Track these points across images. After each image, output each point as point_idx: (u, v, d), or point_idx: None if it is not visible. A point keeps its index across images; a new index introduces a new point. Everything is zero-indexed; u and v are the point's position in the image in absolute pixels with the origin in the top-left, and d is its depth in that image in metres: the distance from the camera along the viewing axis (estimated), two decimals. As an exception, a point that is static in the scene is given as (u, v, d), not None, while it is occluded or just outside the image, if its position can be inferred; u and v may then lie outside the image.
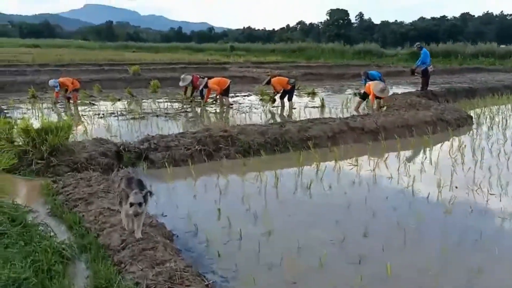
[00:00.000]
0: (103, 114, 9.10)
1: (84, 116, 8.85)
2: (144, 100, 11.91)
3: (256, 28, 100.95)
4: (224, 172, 5.35)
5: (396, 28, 79.68)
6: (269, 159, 5.88)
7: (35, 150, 5.05)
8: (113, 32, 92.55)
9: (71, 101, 10.96)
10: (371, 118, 7.40)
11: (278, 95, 10.69)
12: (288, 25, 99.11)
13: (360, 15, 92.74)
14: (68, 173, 4.74)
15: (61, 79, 10.85)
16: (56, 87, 10.78)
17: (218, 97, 10.63)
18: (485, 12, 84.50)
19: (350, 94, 13.58)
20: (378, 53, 36.68)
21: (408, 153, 6.47)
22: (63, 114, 9.51)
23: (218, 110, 10.21)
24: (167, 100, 11.89)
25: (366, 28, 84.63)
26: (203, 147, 6.02)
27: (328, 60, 35.10)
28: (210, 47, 53.20)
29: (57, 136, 5.08)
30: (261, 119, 8.76)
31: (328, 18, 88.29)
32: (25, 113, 9.24)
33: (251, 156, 6.10)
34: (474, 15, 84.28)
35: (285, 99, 10.55)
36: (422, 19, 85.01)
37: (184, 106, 10.54)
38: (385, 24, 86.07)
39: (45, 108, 9.87)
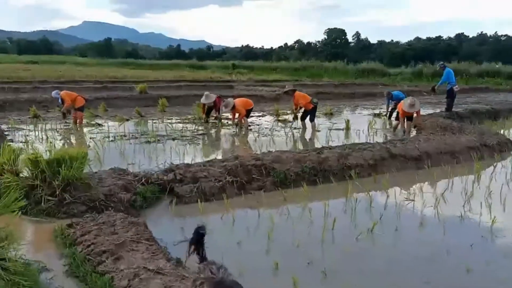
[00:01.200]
0: (114, 137, 8.37)
1: (93, 139, 8.11)
2: (154, 121, 11.20)
3: (255, 46, 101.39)
4: (264, 209, 4.60)
5: (392, 48, 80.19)
6: (310, 192, 5.14)
7: (45, 185, 4.30)
8: (112, 49, 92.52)
9: (77, 123, 10.23)
10: (411, 144, 6.71)
11: (299, 113, 10.05)
12: (286, 44, 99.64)
13: (357, 34, 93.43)
14: (86, 215, 3.98)
15: (63, 92, 10.20)
16: (58, 98, 10.13)
17: (236, 118, 9.92)
18: (479, 33, 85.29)
19: (369, 114, 12.96)
20: (382, 72, 36.34)
21: (464, 183, 5.75)
22: (70, 136, 8.79)
23: (236, 132, 9.52)
24: (179, 120, 11.19)
25: (363, 47, 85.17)
26: (235, 178, 5.30)
27: (331, 78, 34.76)
28: (212, 65, 52.87)
29: (71, 168, 4.35)
30: (286, 143, 8.05)
31: (326, 37, 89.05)
32: (27, 135, 8.50)
33: (288, 187, 5.38)
34: (468, 36, 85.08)
35: (307, 120, 9.88)
36: (418, 39, 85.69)
37: (199, 128, 9.84)
38: (381, 43, 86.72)
39: (48, 130, 9.14)
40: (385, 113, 12.29)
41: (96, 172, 5.00)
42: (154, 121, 11.15)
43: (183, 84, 23.87)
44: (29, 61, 48.54)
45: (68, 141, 8.39)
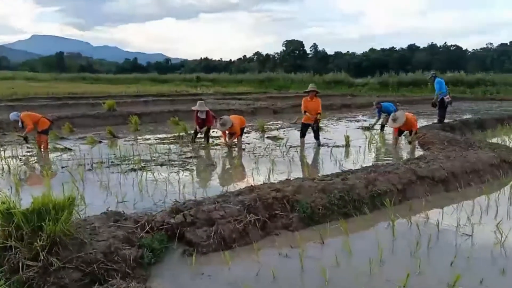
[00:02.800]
0: (90, 164, 7.20)
1: (66, 168, 6.92)
2: (130, 142, 10.06)
3: (213, 59, 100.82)
4: (305, 257, 3.71)
5: (349, 59, 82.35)
6: (347, 229, 4.33)
7: (23, 246, 3.22)
8: (64, 63, 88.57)
9: (41, 148, 8.92)
10: (435, 163, 6.10)
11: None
12: (245, 56, 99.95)
13: (315, 46, 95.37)
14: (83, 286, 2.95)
15: (23, 115, 8.81)
16: (18, 121, 8.76)
17: (226, 137, 8.98)
18: (430, 43, 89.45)
19: (357, 128, 12.46)
20: (348, 82, 36.64)
21: (507, 207, 5.18)
22: (36, 165, 7.51)
23: (226, 152, 8.59)
24: (158, 140, 10.10)
25: (321, 58, 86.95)
26: (256, 216, 4.40)
27: (298, 90, 34.53)
28: (174, 78, 51.47)
29: (57, 220, 3.29)
30: (289, 165, 7.22)
31: (285, 48, 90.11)
32: (-17, 166, 7.16)
33: (318, 223, 4.56)
34: (419, 46, 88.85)
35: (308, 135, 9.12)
36: (372, 50, 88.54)
37: (184, 150, 8.83)
38: (338, 54, 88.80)
39: (8, 157, 7.81)
40: (373, 126, 11.86)
41: (85, 220, 3.94)
42: (130, 142, 10.02)
43: (151, 99, 22.62)
44: (-25, 77, 45.07)
45: (33, 172, 7.13)
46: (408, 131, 8.99)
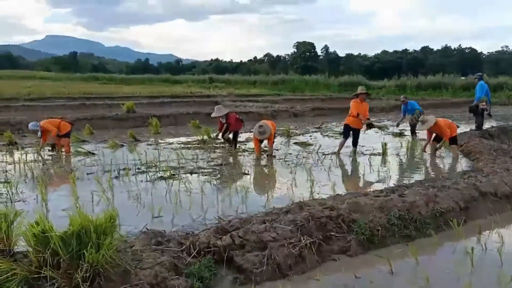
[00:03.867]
0: (117, 171, 6.78)
1: (91, 175, 6.52)
2: (153, 146, 9.65)
3: (224, 60, 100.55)
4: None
5: (361, 61, 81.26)
6: (413, 252, 3.82)
7: (60, 275, 2.79)
8: (77, 63, 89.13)
9: (62, 151, 8.55)
10: (495, 177, 5.56)
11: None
12: (255, 57, 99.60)
13: (326, 47, 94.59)
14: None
15: (43, 123, 8.46)
16: (38, 131, 8.41)
17: (259, 145, 8.46)
18: (444, 45, 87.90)
19: (387, 134, 11.90)
20: (365, 85, 35.90)
21: None
22: (59, 170, 7.11)
23: (256, 159, 8.12)
24: (182, 145, 9.68)
25: (332, 60, 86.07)
26: (310, 238, 3.92)
27: (313, 92, 33.97)
28: (186, 79, 51.22)
29: (100, 246, 2.86)
30: (329, 176, 6.72)
31: (296, 50, 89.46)
32: (6, 170, 6.78)
33: (378, 247, 4.06)
34: (433, 49, 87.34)
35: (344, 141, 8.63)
36: (385, 52, 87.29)
37: (211, 155, 8.38)
38: (350, 56, 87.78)
39: (30, 161, 7.44)
40: (398, 124, 11.37)
41: (125, 241, 3.49)
42: (152, 146, 9.62)
43: (167, 101, 22.29)
44: (-9, 76, 45.35)
45: (58, 178, 6.74)
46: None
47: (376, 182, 6.30)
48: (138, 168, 7.02)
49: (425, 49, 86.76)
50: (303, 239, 3.85)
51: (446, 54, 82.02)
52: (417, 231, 4.36)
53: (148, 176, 6.55)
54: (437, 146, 8.39)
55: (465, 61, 73.46)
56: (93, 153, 8.39)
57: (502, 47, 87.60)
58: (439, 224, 4.53)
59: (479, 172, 5.91)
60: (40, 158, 8.03)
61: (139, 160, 7.70)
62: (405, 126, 11.62)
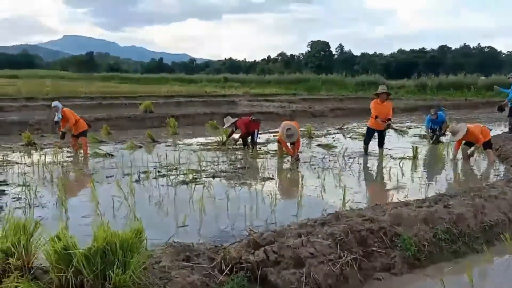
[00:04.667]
0: (136, 174, 6.54)
1: (111, 179, 6.28)
2: (171, 147, 9.41)
3: (237, 59, 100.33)
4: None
5: (377, 60, 79.93)
6: (471, 271, 3.45)
7: (84, 297, 2.51)
8: (94, 62, 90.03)
9: (81, 152, 8.36)
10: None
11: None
12: (269, 56, 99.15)
13: (341, 46, 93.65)
14: None
15: (65, 109, 8.38)
16: (58, 112, 8.26)
17: (277, 144, 8.17)
18: (463, 44, 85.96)
19: (414, 135, 11.41)
20: (385, 84, 35.24)
21: None
22: (79, 173, 6.89)
23: (279, 163, 7.80)
24: (201, 146, 9.41)
25: (347, 59, 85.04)
26: (351, 254, 3.58)
27: (330, 92, 33.42)
28: (201, 78, 51.16)
29: (126, 265, 2.58)
30: (359, 181, 6.36)
31: (310, 49, 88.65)
32: (24, 172, 6.60)
33: (424, 266, 3.70)
34: (451, 48, 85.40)
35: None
36: (401, 51, 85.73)
37: (232, 158, 8.09)
38: (365, 55, 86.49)
39: (49, 163, 7.25)
40: (433, 141, 10.49)
41: (151, 255, 3.21)
42: (171, 148, 9.38)
43: (183, 100, 22.10)
44: (10, 76, 45.95)
45: (78, 181, 6.53)
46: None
47: (413, 189, 5.90)
48: (159, 171, 6.77)
49: (443, 48, 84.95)
50: (344, 255, 3.52)
51: (465, 53, 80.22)
52: (466, 246, 3.98)
53: (169, 179, 6.28)
54: (469, 151, 7.93)
55: (484, 60, 71.71)
56: (112, 155, 8.19)
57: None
58: (488, 238, 4.14)
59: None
60: (57, 159, 7.85)
61: (159, 162, 7.46)
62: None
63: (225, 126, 9.52)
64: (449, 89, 30.32)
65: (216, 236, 4.05)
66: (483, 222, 4.23)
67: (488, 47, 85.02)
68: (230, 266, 3.26)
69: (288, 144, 7.80)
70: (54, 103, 8.52)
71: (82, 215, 4.65)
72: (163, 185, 5.98)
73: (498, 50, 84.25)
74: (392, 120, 8.14)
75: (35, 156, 7.87)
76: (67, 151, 8.62)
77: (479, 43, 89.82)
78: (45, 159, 7.40)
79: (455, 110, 20.40)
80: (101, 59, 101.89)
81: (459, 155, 8.01)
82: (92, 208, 4.87)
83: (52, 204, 5.09)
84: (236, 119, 9.46)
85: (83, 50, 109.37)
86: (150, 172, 6.57)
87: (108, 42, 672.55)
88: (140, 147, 9.30)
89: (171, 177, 6.40)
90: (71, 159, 8.04)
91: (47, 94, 21.82)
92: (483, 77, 34.19)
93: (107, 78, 52.03)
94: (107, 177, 6.42)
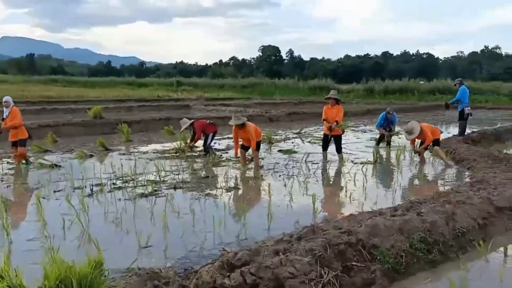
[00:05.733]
0: (89, 187, 5.98)
1: (57, 193, 5.69)
2: (126, 156, 8.84)
3: (189, 63, 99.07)
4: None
5: (325, 65, 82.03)
6: (454, 283, 3.37)
7: None
8: (35, 65, 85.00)
9: (23, 162, 7.59)
10: (506, 188, 5.26)
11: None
12: (221, 60, 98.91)
13: (291, 51, 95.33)
14: None
15: (16, 108, 7.75)
16: (8, 109, 7.58)
17: (240, 151, 7.88)
18: (403, 51, 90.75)
19: (370, 139, 11.62)
20: (334, 89, 36.07)
21: None
22: (21, 188, 6.17)
23: (242, 170, 7.52)
24: (158, 154, 8.91)
25: (297, 64, 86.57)
26: (332, 270, 3.38)
27: (283, 96, 33.68)
28: (152, 82, 49.78)
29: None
30: (326, 190, 6.23)
31: (261, 54, 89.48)
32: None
33: (403, 278, 3.58)
34: (393, 54, 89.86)
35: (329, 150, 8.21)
36: (347, 56, 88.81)
37: (193, 166, 7.70)
38: (314, 60, 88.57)
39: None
40: (382, 141, 10.62)
41: (115, 286, 2.80)
42: (125, 156, 8.81)
43: (134, 105, 21.26)
44: None
45: (22, 198, 5.85)
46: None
47: (381, 196, 5.85)
48: (114, 183, 6.26)
49: (386, 54, 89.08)
50: (324, 272, 3.31)
51: (405, 59, 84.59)
52: (442, 255, 3.92)
53: (126, 192, 5.80)
54: (419, 148, 8.21)
55: (423, 66, 75.84)
56: (59, 166, 7.51)
57: (457, 52, 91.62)
58: (462, 245, 4.12)
59: (485, 183, 5.60)
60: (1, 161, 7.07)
61: (113, 173, 6.93)
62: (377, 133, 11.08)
63: (182, 128, 9.36)
64: (395, 93, 31.62)
65: (184, 257, 3.69)
66: (455, 229, 4.21)
67: (426, 53, 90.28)
68: (203, 291, 2.95)
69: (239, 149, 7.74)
70: (5, 98, 7.76)
71: (27, 239, 4.10)
72: (119, 199, 5.49)
73: (436, 56, 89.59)
74: (340, 123, 8.10)
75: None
76: (7, 162, 7.81)
77: (417, 50, 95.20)
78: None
79: (403, 113, 21.19)
80: (43, 62, 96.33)
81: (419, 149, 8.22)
82: (39, 229, 4.33)
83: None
84: (193, 120, 9.27)
85: (23, 52, 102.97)
86: (104, 185, 6.04)
87: (50, 44, 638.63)
88: (91, 156, 8.65)
89: (128, 190, 5.92)
90: (12, 171, 7.27)
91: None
92: (422, 82, 35.91)
93: (50, 81, 49.17)
94: (54, 191, 5.81)
